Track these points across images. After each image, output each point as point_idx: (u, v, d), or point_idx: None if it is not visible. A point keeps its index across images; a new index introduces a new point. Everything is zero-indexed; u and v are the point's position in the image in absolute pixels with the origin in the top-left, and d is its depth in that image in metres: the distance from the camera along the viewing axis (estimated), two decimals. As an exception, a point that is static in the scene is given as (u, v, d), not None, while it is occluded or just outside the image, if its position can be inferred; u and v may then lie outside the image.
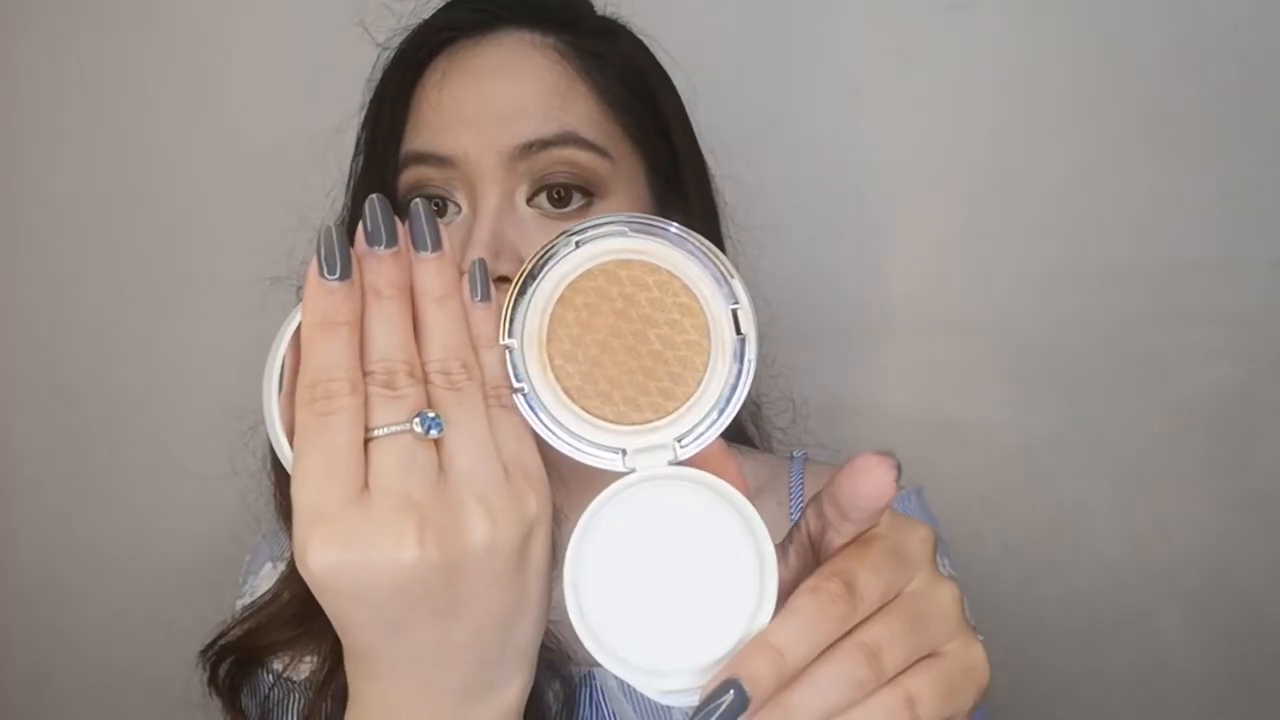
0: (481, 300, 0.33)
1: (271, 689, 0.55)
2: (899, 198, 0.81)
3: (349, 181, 0.58)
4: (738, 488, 0.33)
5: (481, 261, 0.34)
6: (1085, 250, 0.80)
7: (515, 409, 0.34)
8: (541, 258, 0.34)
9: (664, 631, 0.33)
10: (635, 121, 0.54)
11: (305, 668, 0.55)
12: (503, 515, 0.31)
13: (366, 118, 0.57)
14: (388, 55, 0.56)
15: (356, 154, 0.58)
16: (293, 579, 0.57)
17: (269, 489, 0.59)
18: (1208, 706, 0.86)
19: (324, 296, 0.30)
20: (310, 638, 0.55)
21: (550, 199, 0.50)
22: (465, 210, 0.51)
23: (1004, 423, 0.84)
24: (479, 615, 0.32)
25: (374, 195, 0.32)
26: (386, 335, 0.31)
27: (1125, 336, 0.81)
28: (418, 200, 0.32)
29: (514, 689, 0.35)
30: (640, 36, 0.59)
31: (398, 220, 0.32)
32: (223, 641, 0.56)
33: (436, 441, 0.32)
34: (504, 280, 0.43)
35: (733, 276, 0.33)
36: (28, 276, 0.88)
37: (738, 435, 0.66)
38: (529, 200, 0.50)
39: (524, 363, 0.34)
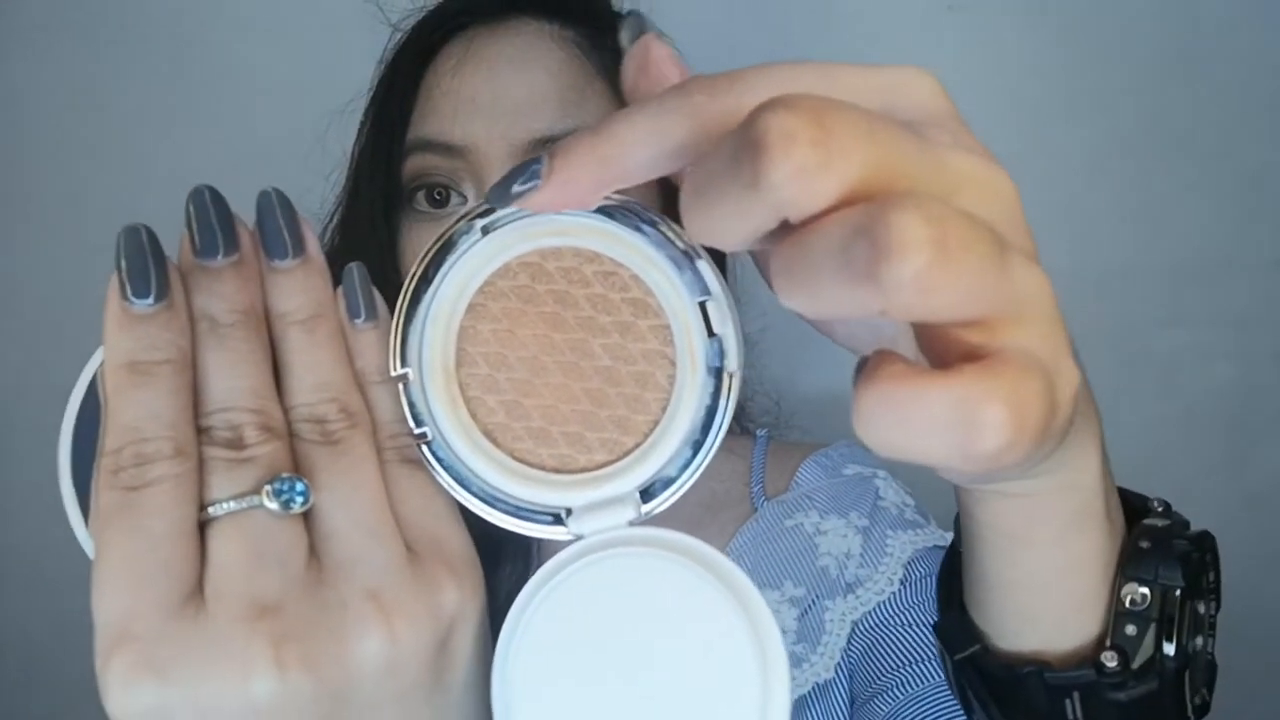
0: (365, 320, 0.25)
1: None
2: (900, 196, 0.81)
3: (351, 165, 0.57)
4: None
5: (359, 266, 0.25)
6: (1085, 250, 0.80)
7: (421, 464, 0.25)
8: (437, 254, 0.25)
9: None
10: None
11: None
12: (405, 617, 0.23)
13: (374, 99, 0.55)
14: (400, 36, 0.55)
15: (360, 136, 0.56)
16: None
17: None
18: (1208, 709, 0.86)
19: (130, 328, 0.22)
20: None
21: None
22: (470, 203, 0.50)
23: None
24: None
25: (201, 186, 0.24)
26: (228, 377, 0.23)
27: (1125, 336, 0.81)
28: (270, 190, 0.24)
29: None
30: None
31: (239, 220, 0.24)
32: None
33: (305, 516, 0.23)
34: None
35: (698, 257, 0.24)
36: (23, 273, 0.87)
37: None
38: None
39: (426, 399, 0.25)
